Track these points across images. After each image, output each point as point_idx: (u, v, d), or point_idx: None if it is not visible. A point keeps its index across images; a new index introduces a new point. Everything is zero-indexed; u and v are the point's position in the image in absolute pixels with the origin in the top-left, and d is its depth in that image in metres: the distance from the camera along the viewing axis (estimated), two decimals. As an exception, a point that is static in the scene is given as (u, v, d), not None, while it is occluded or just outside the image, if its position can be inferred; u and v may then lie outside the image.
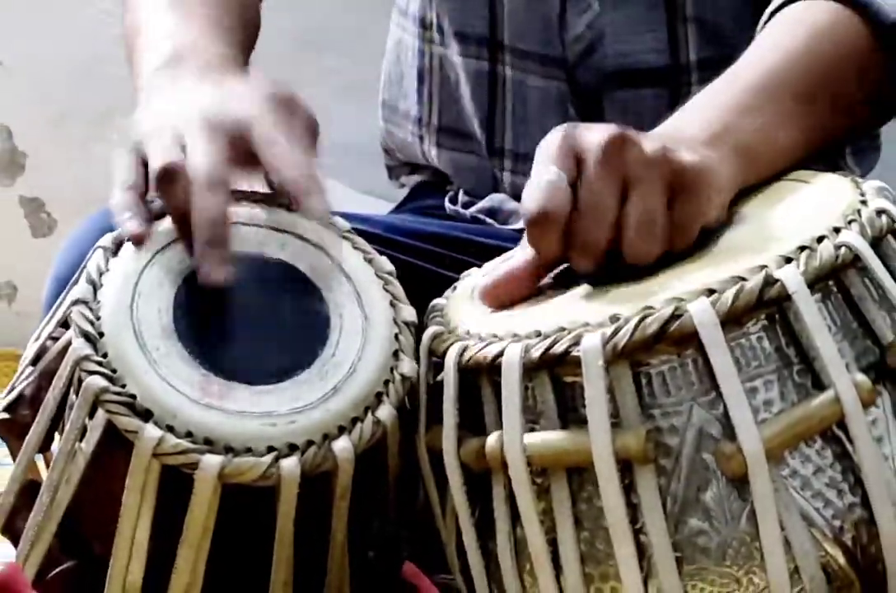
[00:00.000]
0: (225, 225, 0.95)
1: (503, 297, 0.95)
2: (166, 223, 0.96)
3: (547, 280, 1.00)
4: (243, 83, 1.04)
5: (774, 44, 1.15)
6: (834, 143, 1.30)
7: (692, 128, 1.04)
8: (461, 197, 1.47)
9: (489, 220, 1.41)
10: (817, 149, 1.14)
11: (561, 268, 1.00)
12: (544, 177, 0.92)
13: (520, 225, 1.38)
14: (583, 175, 0.93)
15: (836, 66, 1.15)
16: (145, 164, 0.97)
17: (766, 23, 1.19)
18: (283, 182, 0.98)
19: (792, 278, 0.86)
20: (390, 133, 1.55)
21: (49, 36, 1.93)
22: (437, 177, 1.52)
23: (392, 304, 0.98)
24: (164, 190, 0.94)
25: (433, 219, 1.43)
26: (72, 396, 0.91)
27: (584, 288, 0.96)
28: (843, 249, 0.88)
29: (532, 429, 0.89)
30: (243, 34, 1.21)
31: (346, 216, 1.12)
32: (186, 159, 0.95)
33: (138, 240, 0.94)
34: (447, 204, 1.48)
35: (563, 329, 0.88)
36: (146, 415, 0.88)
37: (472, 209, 1.43)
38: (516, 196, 1.39)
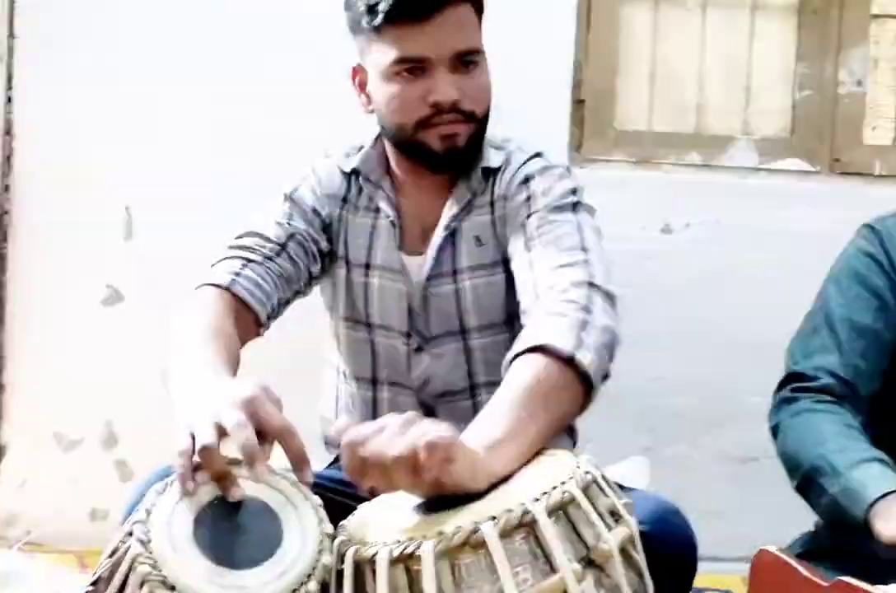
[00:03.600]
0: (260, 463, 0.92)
1: None
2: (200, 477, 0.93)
3: (405, 511, 0.97)
4: (241, 381, 1.01)
5: (510, 386, 1.08)
6: (561, 429, 1.22)
7: (472, 444, 0.98)
8: None
9: None
10: (546, 439, 1.08)
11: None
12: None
13: None
14: None
15: (547, 391, 1.07)
16: (194, 438, 0.93)
17: (506, 368, 1.13)
18: (281, 440, 0.95)
19: (538, 510, 0.87)
20: (325, 431, 1.49)
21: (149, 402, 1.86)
22: None
23: (319, 523, 0.95)
24: (203, 458, 0.91)
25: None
26: (130, 577, 0.88)
27: (425, 515, 0.94)
28: (566, 493, 0.89)
29: None
30: (234, 361, 1.16)
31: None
32: (229, 430, 0.92)
33: (186, 490, 0.91)
34: None
35: (411, 538, 0.87)
36: (172, 589, 0.86)
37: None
38: None
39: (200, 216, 1.93)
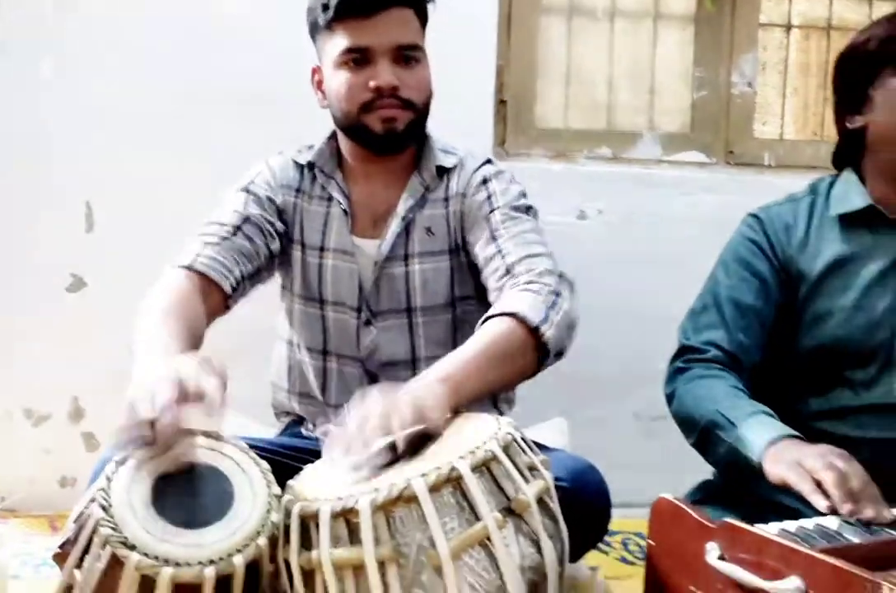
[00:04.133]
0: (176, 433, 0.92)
1: None
2: (145, 452, 0.93)
3: (345, 469, 0.97)
4: (187, 359, 1.00)
5: (476, 339, 1.14)
6: (508, 387, 1.31)
7: (432, 376, 1.06)
8: (310, 427, 1.42)
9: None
10: (496, 391, 1.15)
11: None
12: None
13: None
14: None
15: (506, 349, 1.13)
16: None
17: (479, 327, 1.18)
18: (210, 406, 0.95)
19: (463, 467, 0.88)
20: (275, 397, 1.50)
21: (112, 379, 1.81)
22: (299, 418, 1.46)
23: (268, 485, 0.96)
24: (142, 432, 0.91)
25: (296, 439, 1.38)
26: (94, 538, 0.88)
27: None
28: (488, 452, 0.91)
29: (335, 547, 0.88)
30: (192, 336, 1.16)
31: (250, 438, 1.10)
32: (157, 412, 0.91)
33: (121, 459, 0.92)
34: (303, 431, 1.43)
35: (350, 495, 0.88)
36: (132, 548, 0.86)
37: (315, 433, 1.34)
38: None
39: (155, 210, 1.90)
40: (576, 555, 1.22)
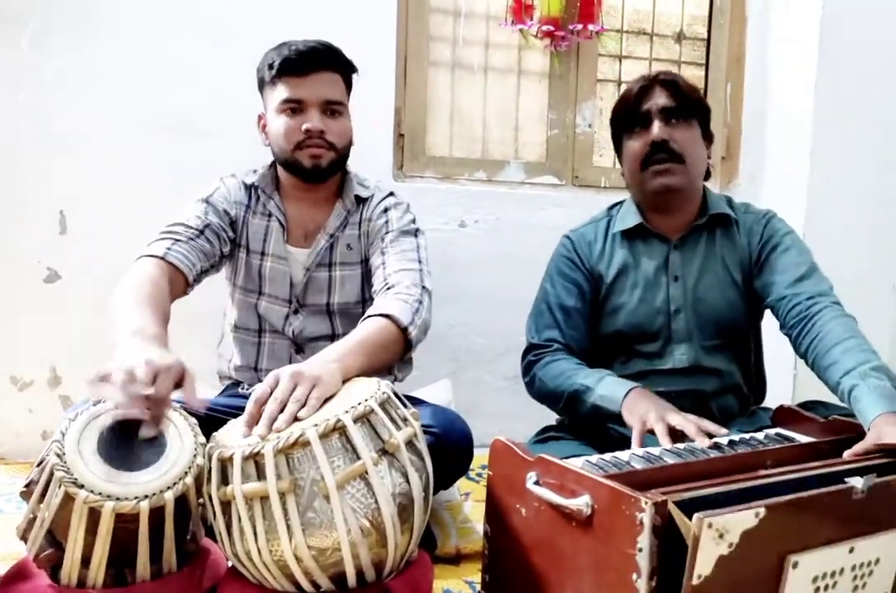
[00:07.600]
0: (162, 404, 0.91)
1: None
2: (95, 408, 0.91)
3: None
4: (157, 351, 0.96)
5: (359, 331, 1.13)
6: (381, 370, 1.24)
7: (327, 355, 1.03)
8: (245, 387, 1.41)
9: None
10: (372, 372, 1.11)
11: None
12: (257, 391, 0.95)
13: None
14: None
15: (381, 341, 1.13)
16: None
17: (360, 322, 1.18)
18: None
19: (347, 419, 0.89)
20: (219, 366, 1.48)
21: (83, 352, 1.72)
22: (236, 381, 1.44)
23: (195, 436, 0.95)
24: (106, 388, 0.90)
25: (232, 398, 1.35)
26: (51, 479, 0.86)
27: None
28: (367, 407, 0.91)
29: (246, 482, 0.88)
30: (163, 315, 1.12)
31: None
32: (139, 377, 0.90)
33: (94, 414, 0.89)
34: (239, 391, 1.41)
35: (258, 441, 0.88)
36: (81, 486, 0.84)
37: (248, 392, 1.34)
38: None
39: (116, 217, 1.84)
40: (448, 483, 1.26)
